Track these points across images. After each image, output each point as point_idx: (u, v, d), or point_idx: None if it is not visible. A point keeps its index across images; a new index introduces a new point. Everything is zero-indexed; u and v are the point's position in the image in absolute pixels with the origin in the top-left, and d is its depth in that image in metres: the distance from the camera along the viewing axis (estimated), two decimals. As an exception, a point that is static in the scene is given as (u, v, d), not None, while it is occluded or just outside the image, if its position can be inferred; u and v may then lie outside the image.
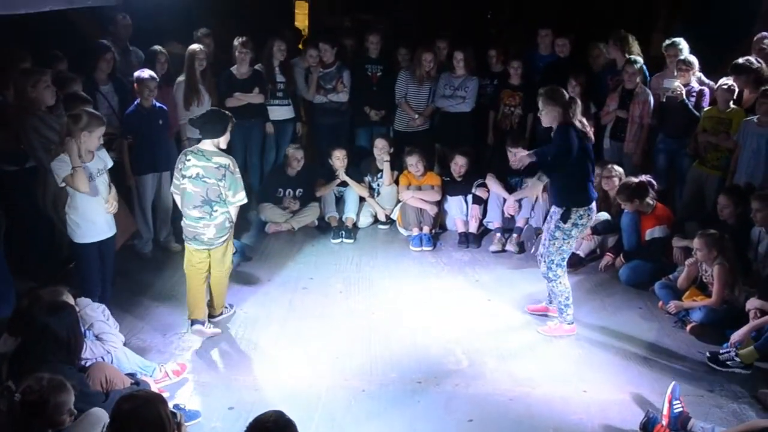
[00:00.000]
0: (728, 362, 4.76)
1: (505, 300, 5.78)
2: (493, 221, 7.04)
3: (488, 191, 7.11)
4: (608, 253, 6.41)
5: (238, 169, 4.94)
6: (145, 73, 6.00)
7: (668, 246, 6.09)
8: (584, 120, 5.02)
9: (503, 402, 4.43)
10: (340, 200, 7.40)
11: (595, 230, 6.46)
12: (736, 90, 6.22)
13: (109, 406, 3.41)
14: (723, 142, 6.21)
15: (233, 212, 5.03)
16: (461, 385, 4.60)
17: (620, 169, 6.56)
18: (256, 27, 7.97)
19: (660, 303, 5.67)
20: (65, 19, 6.43)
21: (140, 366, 4.44)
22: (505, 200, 7.02)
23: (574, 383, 4.64)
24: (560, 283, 5.12)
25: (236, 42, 7.06)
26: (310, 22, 11.88)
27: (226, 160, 4.87)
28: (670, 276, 5.80)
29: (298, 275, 6.19)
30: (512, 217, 6.99)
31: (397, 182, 7.33)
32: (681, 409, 4.07)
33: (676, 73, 6.62)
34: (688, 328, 5.30)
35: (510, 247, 6.79)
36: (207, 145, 4.91)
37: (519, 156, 5.23)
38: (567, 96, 4.96)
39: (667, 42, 6.92)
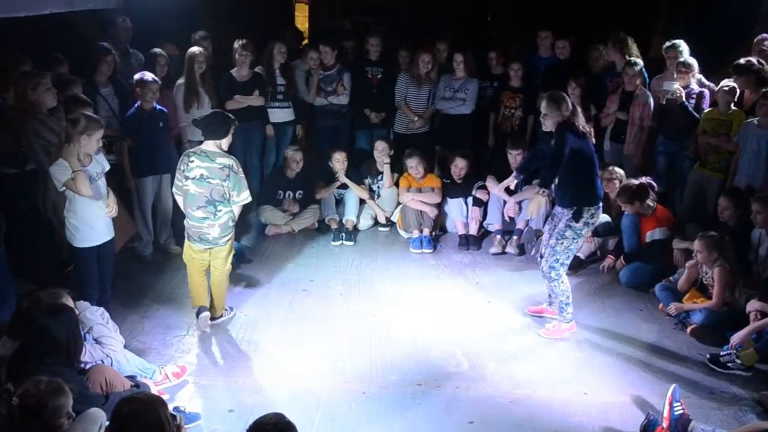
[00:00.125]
0: (729, 364, 4.76)
1: (505, 302, 5.78)
2: (494, 223, 7.04)
3: (488, 193, 7.11)
4: (609, 256, 6.41)
5: (241, 169, 5.00)
6: (148, 76, 6.01)
7: (668, 248, 6.09)
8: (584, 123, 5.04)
9: (503, 404, 4.42)
10: (340, 202, 7.40)
11: (596, 232, 6.45)
12: (737, 92, 6.22)
13: (108, 408, 3.41)
14: (723, 144, 6.21)
15: (237, 211, 5.07)
16: (461, 388, 4.59)
17: (621, 171, 6.56)
18: (256, 29, 7.98)
19: (660, 305, 5.66)
20: (65, 22, 6.43)
21: (140, 368, 4.43)
22: (505, 202, 7.02)
23: (574, 385, 4.64)
24: (562, 282, 5.13)
25: (236, 45, 7.06)
26: (310, 25, 11.90)
27: (229, 161, 4.91)
28: (671, 278, 5.80)
29: (298, 277, 6.19)
30: (512, 219, 6.99)
31: (397, 184, 7.33)
32: (681, 412, 4.06)
33: (675, 76, 6.63)
34: (689, 330, 5.30)
35: (510, 249, 6.79)
36: (210, 146, 4.94)
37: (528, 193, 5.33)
38: (570, 102, 4.96)
39: (668, 44, 6.93)
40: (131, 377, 4.22)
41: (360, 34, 8.52)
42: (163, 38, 7.27)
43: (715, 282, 5.28)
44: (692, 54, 6.70)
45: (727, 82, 6.24)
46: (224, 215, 4.98)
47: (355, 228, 7.23)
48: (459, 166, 7.12)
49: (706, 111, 6.46)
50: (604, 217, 6.47)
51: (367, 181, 7.44)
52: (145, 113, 6.04)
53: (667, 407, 4.06)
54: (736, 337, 4.86)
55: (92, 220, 4.70)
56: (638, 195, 6.08)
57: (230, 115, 5.15)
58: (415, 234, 6.93)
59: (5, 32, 5.62)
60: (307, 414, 4.19)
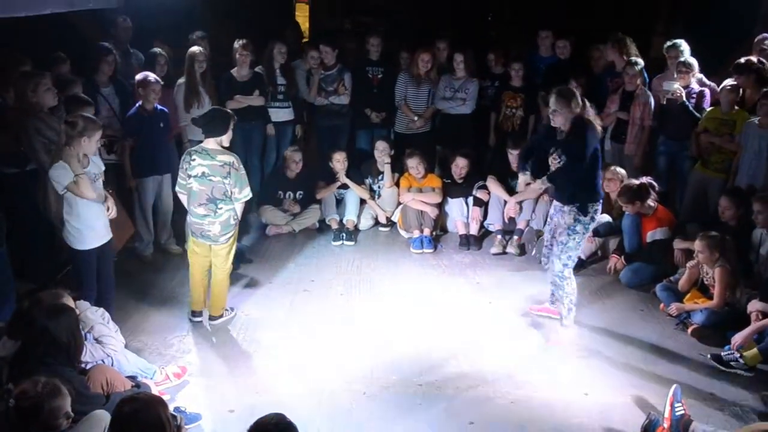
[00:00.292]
0: (732, 362, 4.76)
1: (506, 302, 5.77)
2: (494, 223, 7.04)
3: (489, 193, 7.11)
4: (613, 255, 6.39)
5: (242, 166, 5.02)
6: (151, 76, 6.01)
7: (669, 248, 6.08)
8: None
9: (504, 405, 4.42)
10: (340, 202, 7.40)
11: (597, 232, 6.44)
12: (740, 91, 6.21)
13: (109, 408, 3.41)
14: (726, 144, 6.20)
15: (239, 209, 5.09)
16: (462, 388, 4.59)
17: (622, 171, 6.56)
18: (255, 29, 7.98)
19: (661, 305, 5.66)
20: (66, 22, 6.43)
21: (141, 368, 4.43)
22: (505, 202, 7.02)
23: (575, 386, 4.63)
24: (572, 280, 5.15)
25: (236, 44, 7.07)
26: (311, 25, 11.90)
27: (230, 158, 4.94)
28: (672, 278, 5.79)
29: (299, 277, 6.18)
30: (513, 219, 6.99)
31: (397, 184, 7.32)
32: (683, 412, 4.05)
33: (676, 75, 6.62)
34: (690, 330, 5.30)
35: (511, 249, 6.78)
36: (211, 143, 4.97)
37: (533, 186, 5.32)
38: (579, 97, 4.91)
39: (668, 44, 6.93)
40: (132, 377, 4.21)
41: (360, 34, 8.52)
42: (161, 37, 7.26)
43: (716, 282, 5.28)
44: (693, 54, 6.70)
45: (730, 82, 6.23)
46: (225, 213, 5.01)
47: (356, 228, 7.23)
48: (459, 166, 7.12)
49: (708, 110, 6.45)
50: (605, 217, 6.47)
51: (368, 181, 7.43)
52: (147, 113, 6.04)
53: (668, 408, 4.06)
54: (737, 338, 4.85)
55: (93, 222, 4.69)
56: (639, 195, 6.08)
57: (228, 110, 5.19)
58: (416, 234, 6.93)
59: (5, 32, 5.61)
60: (308, 414, 4.17)
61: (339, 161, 7.24)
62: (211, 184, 4.93)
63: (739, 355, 4.75)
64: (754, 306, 5.02)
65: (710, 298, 5.36)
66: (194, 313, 5.35)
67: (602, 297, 5.93)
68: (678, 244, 6.01)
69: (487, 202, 7.12)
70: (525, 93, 7.36)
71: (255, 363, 4.86)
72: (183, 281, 5.89)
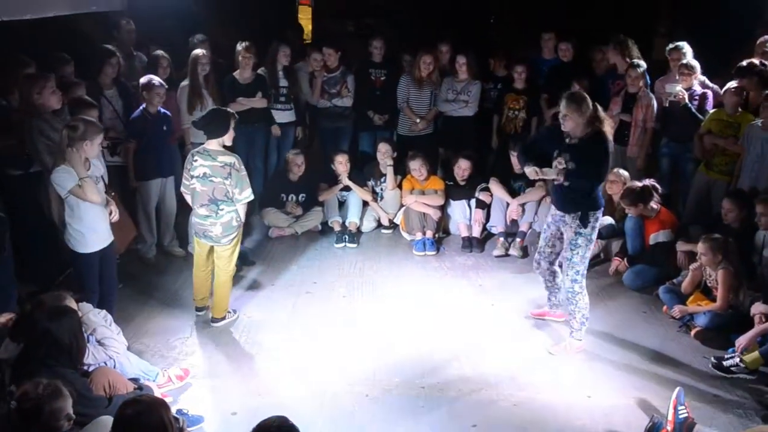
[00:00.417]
0: (732, 368, 4.75)
1: (508, 305, 5.77)
2: (497, 225, 7.04)
3: (491, 195, 7.11)
4: (616, 258, 6.38)
5: (243, 167, 5.03)
6: (155, 80, 6.02)
7: (672, 250, 6.07)
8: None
9: (507, 407, 4.42)
10: (343, 205, 7.39)
11: (599, 235, 6.41)
12: (744, 93, 6.20)
13: (112, 411, 3.41)
14: (731, 146, 6.19)
15: (241, 210, 5.10)
16: (465, 391, 4.58)
17: (625, 173, 6.55)
18: (258, 32, 7.99)
19: (664, 307, 5.65)
20: (69, 25, 6.45)
21: (143, 370, 4.43)
22: (508, 204, 7.01)
23: (578, 388, 4.63)
24: (585, 295, 4.98)
25: (239, 47, 7.08)
26: (313, 27, 11.92)
27: (231, 159, 4.96)
28: (675, 280, 5.78)
29: (301, 280, 6.18)
30: (515, 221, 6.99)
31: (400, 186, 7.32)
32: (686, 415, 4.05)
33: (678, 77, 6.61)
34: (693, 332, 5.29)
35: (513, 251, 6.78)
36: (212, 144, 5.00)
37: (546, 172, 4.90)
38: (590, 102, 4.76)
39: (671, 46, 6.93)
40: (134, 380, 4.21)
41: (363, 36, 8.53)
42: (160, 40, 7.27)
43: (719, 284, 5.27)
44: (695, 56, 6.69)
45: (734, 84, 6.22)
46: (227, 214, 5.02)
47: (358, 230, 7.23)
48: (462, 168, 7.12)
49: (712, 111, 6.44)
50: (607, 220, 6.46)
51: (370, 183, 7.43)
52: (150, 116, 6.05)
53: (671, 410, 4.05)
54: (741, 340, 4.84)
55: (95, 225, 4.69)
56: (642, 197, 6.07)
57: (228, 110, 5.21)
58: (418, 236, 6.93)
59: (10, 35, 5.63)
60: (311, 417, 4.17)
61: (341, 163, 7.24)
62: (212, 184, 4.95)
63: (740, 359, 4.74)
64: (757, 308, 5.01)
65: (713, 300, 5.35)
66: (198, 309, 5.45)
67: (605, 299, 5.93)
68: (681, 247, 6.00)
69: (490, 204, 7.11)
70: (528, 95, 7.37)
71: (257, 365, 4.86)
72: (186, 284, 5.90)
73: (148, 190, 6.21)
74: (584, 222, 4.84)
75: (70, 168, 4.46)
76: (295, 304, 5.75)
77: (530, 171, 4.92)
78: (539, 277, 5.35)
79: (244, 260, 6.25)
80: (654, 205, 6.12)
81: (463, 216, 7.12)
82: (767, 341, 4.78)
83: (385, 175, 7.33)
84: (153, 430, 2.99)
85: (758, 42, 6.58)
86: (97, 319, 4.33)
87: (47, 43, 6.22)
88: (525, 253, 6.77)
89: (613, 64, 7.29)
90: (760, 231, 5.50)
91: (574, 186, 4.80)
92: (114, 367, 4.21)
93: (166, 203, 6.37)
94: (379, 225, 7.39)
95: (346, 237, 6.98)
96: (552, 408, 4.41)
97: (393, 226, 7.36)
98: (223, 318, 5.33)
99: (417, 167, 7.13)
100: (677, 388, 4.17)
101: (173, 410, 3.49)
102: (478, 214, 7.08)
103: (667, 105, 6.66)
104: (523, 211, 6.97)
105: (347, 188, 7.33)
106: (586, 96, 4.82)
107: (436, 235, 7.05)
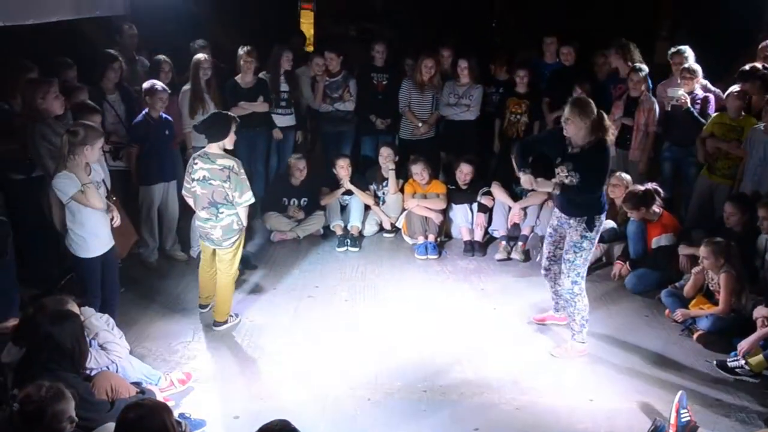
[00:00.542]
0: (737, 369, 4.74)
1: (510, 308, 5.76)
2: (499, 229, 7.04)
3: (493, 199, 7.11)
4: (618, 261, 6.37)
5: (243, 170, 5.03)
6: (158, 84, 6.04)
7: (674, 254, 6.07)
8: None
9: (509, 411, 4.41)
10: (345, 209, 7.40)
11: (601, 239, 6.41)
12: (747, 96, 6.20)
13: (114, 415, 3.41)
14: (734, 150, 6.19)
15: (242, 213, 5.10)
16: (467, 394, 4.58)
17: (627, 177, 6.53)
18: (260, 36, 8.01)
19: (666, 311, 5.64)
20: (72, 29, 6.47)
21: (145, 375, 4.43)
22: (510, 208, 7.01)
23: (580, 392, 4.62)
24: (584, 296, 4.98)
25: (241, 51, 7.10)
26: (315, 31, 11.94)
27: (230, 162, 4.96)
28: (677, 284, 5.77)
29: (303, 283, 6.18)
30: (517, 225, 6.99)
31: (402, 190, 7.32)
32: (689, 418, 4.04)
33: (680, 81, 6.62)
34: (695, 336, 5.28)
35: (515, 255, 6.77)
36: (213, 148, 5.01)
37: (540, 184, 4.93)
38: (594, 108, 4.72)
39: (673, 50, 6.93)
40: (136, 384, 4.22)
41: (365, 40, 8.54)
42: (163, 45, 7.30)
43: (721, 288, 5.26)
44: (697, 59, 6.69)
45: (736, 88, 6.22)
46: (227, 217, 5.03)
47: (360, 234, 7.23)
48: (464, 172, 7.12)
49: (714, 115, 6.43)
50: (609, 223, 6.46)
51: (372, 187, 7.44)
52: (153, 121, 6.06)
53: (674, 414, 4.04)
54: (743, 344, 4.83)
55: (97, 230, 4.69)
56: (644, 201, 6.07)
57: (229, 113, 5.22)
58: (420, 240, 6.93)
59: (13, 39, 5.65)
60: (313, 420, 4.18)
61: (343, 167, 7.25)
62: (211, 187, 4.96)
63: (744, 361, 4.74)
64: (759, 312, 5.00)
65: (715, 304, 5.34)
66: (202, 306, 5.52)
67: (607, 303, 5.92)
68: (683, 250, 6.00)
69: (492, 208, 7.12)
70: (530, 99, 7.37)
71: (259, 369, 4.86)
72: (188, 288, 5.91)
73: (150, 194, 6.22)
74: (591, 226, 4.83)
75: (72, 174, 4.46)
76: (297, 308, 5.75)
77: (525, 179, 4.93)
78: (546, 281, 5.34)
79: (247, 264, 6.26)
80: (656, 208, 6.12)
81: (465, 220, 7.13)
82: (770, 345, 4.78)
83: (387, 179, 7.33)
84: (155, 433, 3.00)
85: (760, 46, 6.59)
86: (100, 324, 4.33)
87: (50, 47, 6.24)
88: (527, 256, 6.77)
89: (615, 68, 7.30)
90: (763, 235, 5.49)
91: (575, 194, 4.81)
92: (116, 371, 4.21)
93: (169, 207, 6.37)
94: (381, 229, 7.39)
95: (348, 241, 6.98)
96: (554, 412, 4.40)
97: (395, 230, 7.36)
98: (225, 322, 5.33)
99: (419, 171, 7.13)
100: (680, 392, 4.16)
101: (175, 414, 3.48)
102: (480, 218, 7.08)
103: (669, 109, 6.66)
104: (525, 214, 6.98)
105: (349, 192, 7.34)
106: (591, 102, 4.78)
107: (438, 239, 7.05)
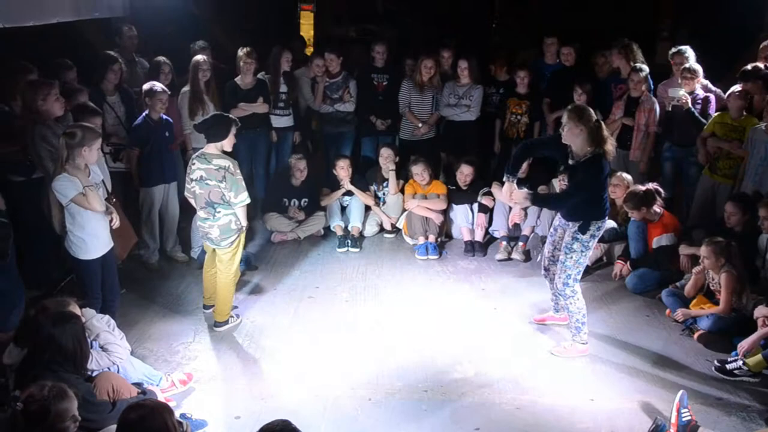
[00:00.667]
0: (736, 371, 4.74)
1: (511, 308, 5.77)
2: (499, 229, 7.05)
3: (494, 200, 7.11)
4: (619, 261, 6.37)
5: (238, 171, 5.03)
6: (158, 86, 6.04)
7: (675, 254, 6.07)
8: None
9: (510, 411, 4.41)
10: (345, 209, 7.41)
11: (602, 239, 6.40)
12: (749, 96, 6.20)
13: (115, 415, 3.41)
14: (735, 150, 6.19)
15: (240, 214, 5.10)
16: (467, 394, 4.58)
17: (628, 177, 6.53)
18: (260, 37, 8.02)
19: (667, 311, 5.64)
20: (72, 31, 6.48)
21: (147, 375, 4.44)
22: (510, 208, 7.02)
23: (580, 392, 4.62)
24: (577, 299, 4.97)
25: (240, 52, 7.10)
26: (315, 32, 11.95)
27: (226, 162, 4.96)
28: (678, 284, 5.77)
29: (303, 284, 6.19)
30: (518, 225, 6.99)
31: (402, 191, 7.33)
32: (689, 418, 4.04)
33: (680, 81, 6.62)
34: (696, 336, 5.28)
35: (516, 255, 6.77)
36: (210, 148, 5.03)
37: (515, 196, 4.97)
38: (595, 117, 4.66)
39: (673, 50, 6.94)
40: (138, 384, 4.22)
41: (365, 41, 8.55)
42: (163, 46, 7.31)
43: (722, 288, 5.27)
44: (698, 60, 6.69)
45: (738, 88, 6.22)
46: (224, 217, 5.05)
47: (361, 235, 7.23)
48: (464, 173, 7.12)
49: (716, 114, 6.43)
50: (610, 223, 6.44)
51: (373, 187, 7.44)
52: (153, 122, 6.06)
53: (674, 413, 4.04)
54: (744, 344, 4.83)
55: (97, 232, 4.69)
56: (645, 201, 6.07)
57: (230, 115, 5.23)
58: (421, 240, 6.93)
59: (13, 41, 5.66)
60: (314, 421, 4.19)
61: (343, 168, 7.26)
62: (208, 187, 4.98)
63: (742, 362, 4.73)
64: (760, 312, 5.00)
65: (716, 303, 5.34)
66: (206, 306, 5.54)
67: (608, 303, 5.92)
68: (684, 250, 6.01)
69: (492, 208, 7.12)
70: (530, 100, 7.38)
71: (260, 369, 4.87)
72: (188, 288, 5.92)
73: (151, 195, 6.22)
74: (583, 229, 4.81)
75: (73, 177, 4.46)
76: (298, 308, 5.75)
77: (506, 188, 5.05)
78: (546, 282, 5.34)
79: (247, 265, 6.27)
80: (657, 208, 6.12)
81: (465, 220, 7.13)
82: (770, 344, 4.78)
83: (387, 179, 7.34)
84: (157, 434, 3.00)
85: (762, 46, 6.59)
86: (101, 325, 4.33)
87: (50, 49, 6.25)
88: (527, 257, 6.77)
89: (616, 68, 7.30)
90: (763, 234, 5.50)
91: (564, 204, 4.86)
92: (117, 372, 4.21)
93: (169, 209, 6.37)
94: (382, 229, 7.39)
95: (349, 241, 6.99)
96: (555, 411, 4.40)
97: (395, 230, 7.37)
98: (226, 322, 5.34)
99: (419, 172, 7.14)
100: (680, 391, 4.16)
101: (177, 414, 3.48)
102: (481, 218, 7.09)
103: (669, 109, 6.66)
104: (526, 215, 6.98)
105: (350, 193, 7.35)
106: (589, 110, 4.73)
107: (439, 240, 7.06)
